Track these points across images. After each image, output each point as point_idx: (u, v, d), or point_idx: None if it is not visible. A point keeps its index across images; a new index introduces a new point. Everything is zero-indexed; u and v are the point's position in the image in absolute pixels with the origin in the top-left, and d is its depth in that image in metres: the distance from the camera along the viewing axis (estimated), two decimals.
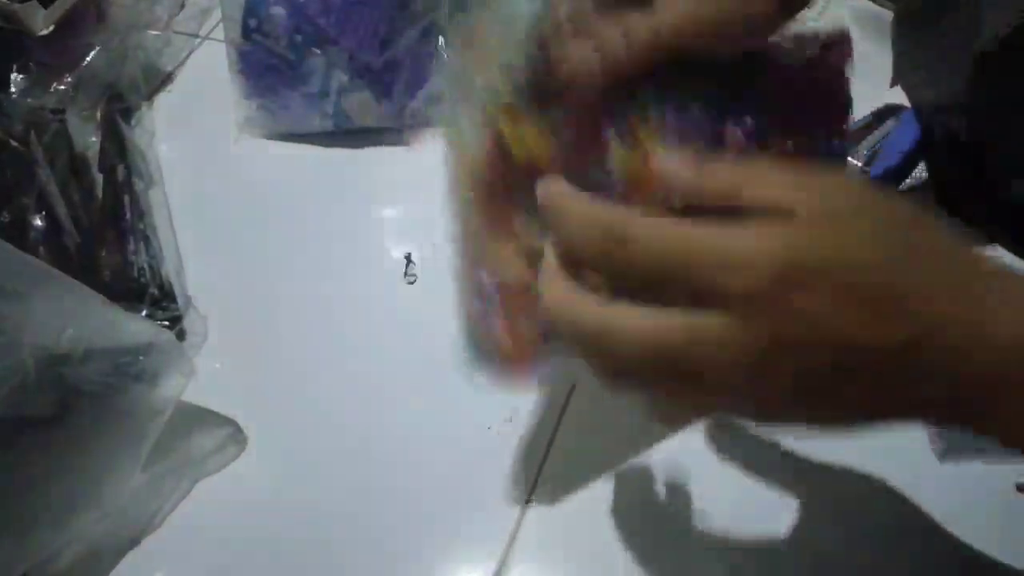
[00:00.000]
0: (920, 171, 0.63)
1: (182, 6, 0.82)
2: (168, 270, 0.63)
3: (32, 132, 0.66)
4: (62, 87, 0.71)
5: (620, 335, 0.28)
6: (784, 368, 0.27)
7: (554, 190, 0.31)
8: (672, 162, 0.30)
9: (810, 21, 0.39)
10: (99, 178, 0.66)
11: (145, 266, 0.62)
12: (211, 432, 0.54)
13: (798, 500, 0.49)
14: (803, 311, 0.26)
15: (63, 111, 0.69)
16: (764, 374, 0.27)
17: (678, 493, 0.50)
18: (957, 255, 0.28)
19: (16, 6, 0.68)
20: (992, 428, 0.28)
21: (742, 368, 0.27)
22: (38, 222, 0.61)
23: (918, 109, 0.61)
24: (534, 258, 0.34)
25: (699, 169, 0.29)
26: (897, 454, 0.50)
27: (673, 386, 0.29)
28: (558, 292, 0.31)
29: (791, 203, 0.27)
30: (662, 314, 0.28)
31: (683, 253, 0.27)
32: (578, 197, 0.30)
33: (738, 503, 0.49)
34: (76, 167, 0.66)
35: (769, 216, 0.27)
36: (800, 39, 0.38)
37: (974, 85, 0.51)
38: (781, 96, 0.36)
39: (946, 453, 0.50)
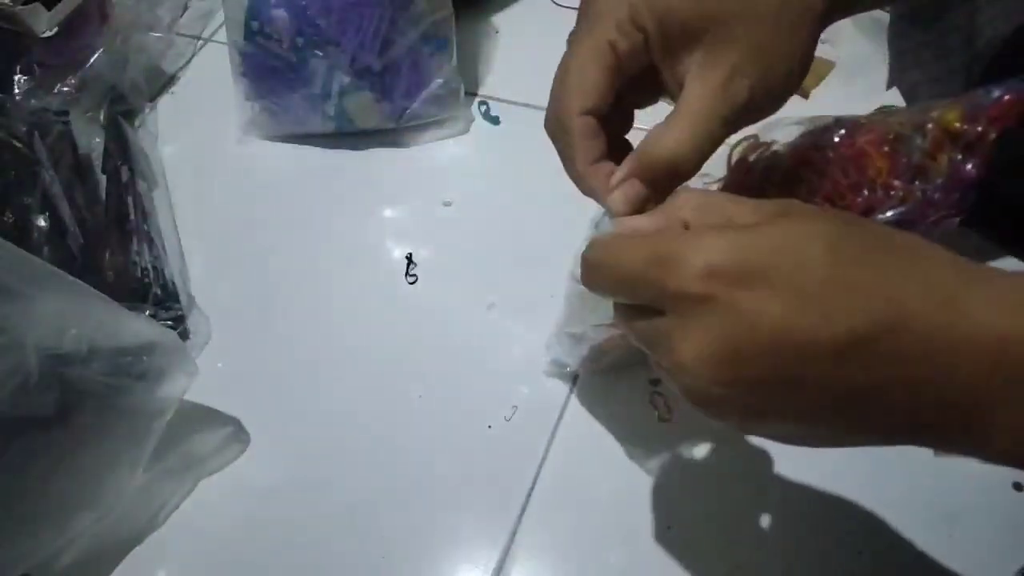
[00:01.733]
0: None
1: (185, 8, 0.83)
2: (171, 270, 0.63)
3: (36, 133, 0.66)
4: (65, 89, 0.71)
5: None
6: (726, 376, 0.27)
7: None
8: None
9: None
10: (102, 179, 0.67)
11: (148, 266, 0.62)
12: (213, 431, 0.54)
13: (793, 499, 0.49)
14: (737, 309, 0.26)
15: (67, 113, 0.69)
16: (708, 382, 0.27)
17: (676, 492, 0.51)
18: (924, 255, 0.27)
19: (19, 8, 0.68)
20: (986, 440, 0.25)
21: (688, 374, 0.27)
22: (42, 223, 0.62)
23: None
24: None
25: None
26: (894, 451, 0.50)
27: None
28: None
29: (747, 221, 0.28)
30: (633, 317, 0.30)
31: (639, 261, 0.28)
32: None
33: (733, 502, 0.50)
34: (79, 168, 0.67)
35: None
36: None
37: (972, 86, 0.51)
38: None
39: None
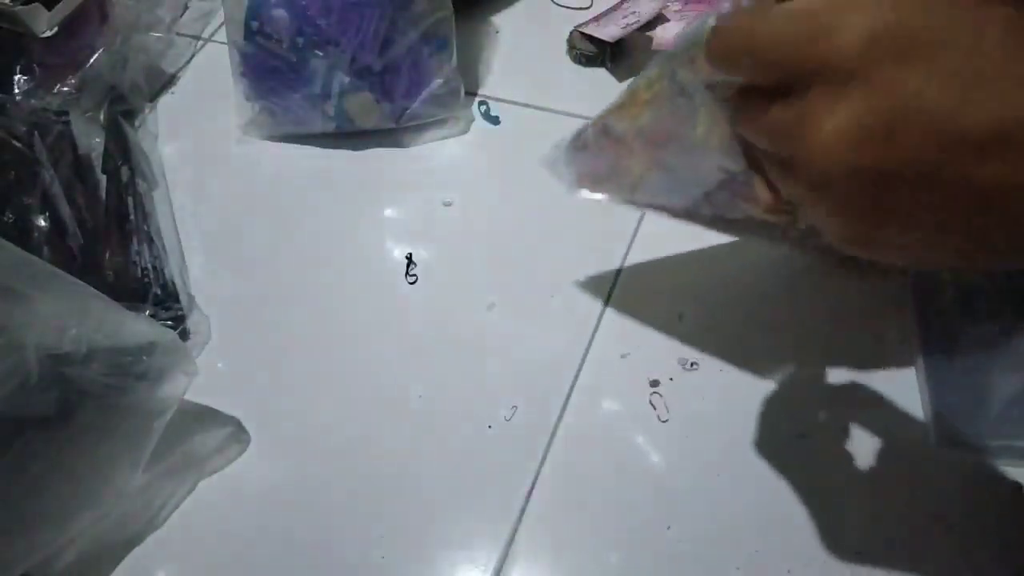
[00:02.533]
0: None
1: (185, 8, 0.83)
2: (171, 270, 0.63)
3: (36, 133, 0.66)
4: (65, 89, 0.71)
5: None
6: (867, 157, 0.24)
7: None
8: None
9: None
10: (102, 179, 0.67)
11: (148, 266, 0.62)
12: (213, 431, 0.54)
13: (793, 499, 0.49)
14: (896, 84, 0.23)
15: (66, 113, 0.69)
16: (845, 163, 0.25)
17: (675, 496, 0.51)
18: None
19: (19, 8, 0.68)
20: None
21: (825, 153, 0.25)
22: (42, 223, 0.62)
23: None
24: None
25: None
26: (893, 451, 0.50)
27: (773, 166, 0.28)
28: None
29: None
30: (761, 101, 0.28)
31: (789, 26, 0.26)
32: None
33: (733, 502, 0.50)
34: (80, 168, 0.67)
35: None
36: None
37: None
38: None
39: (942, 439, 0.49)
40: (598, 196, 0.48)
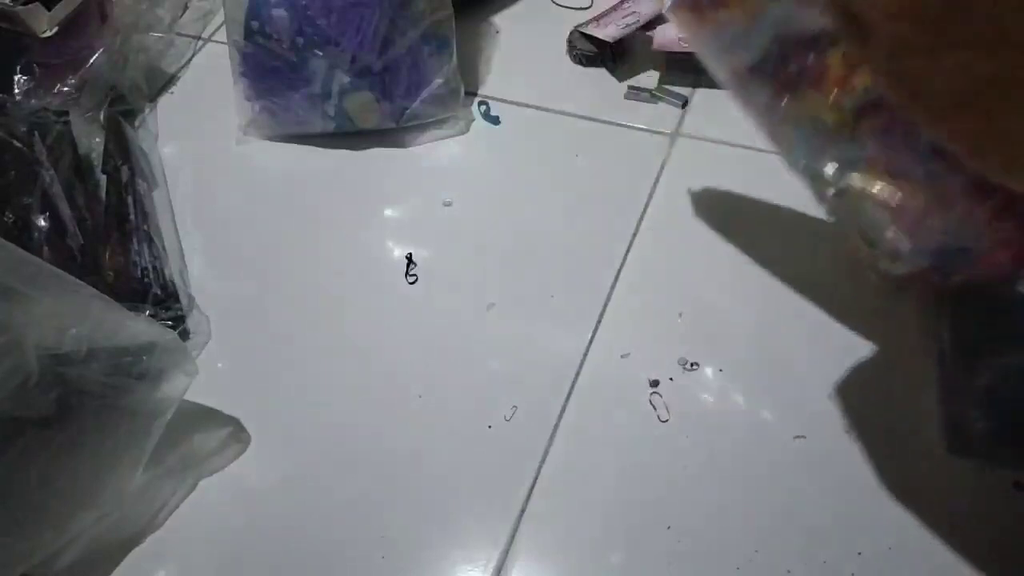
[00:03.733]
0: None
1: (185, 8, 0.83)
2: (171, 270, 0.63)
3: (36, 133, 0.66)
4: (65, 89, 0.71)
5: None
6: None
7: None
8: None
9: None
10: (103, 179, 0.67)
11: (148, 267, 0.62)
12: (213, 431, 0.54)
13: (793, 499, 0.49)
14: None
15: (66, 113, 0.69)
16: None
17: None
18: None
19: (20, 8, 0.68)
20: None
21: None
22: (42, 223, 0.62)
23: None
24: None
25: None
26: (892, 452, 0.50)
27: None
28: None
29: None
30: None
31: None
32: None
33: (732, 502, 0.50)
34: (80, 168, 0.67)
35: None
36: None
37: None
38: None
39: (952, 447, 0.49)
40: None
